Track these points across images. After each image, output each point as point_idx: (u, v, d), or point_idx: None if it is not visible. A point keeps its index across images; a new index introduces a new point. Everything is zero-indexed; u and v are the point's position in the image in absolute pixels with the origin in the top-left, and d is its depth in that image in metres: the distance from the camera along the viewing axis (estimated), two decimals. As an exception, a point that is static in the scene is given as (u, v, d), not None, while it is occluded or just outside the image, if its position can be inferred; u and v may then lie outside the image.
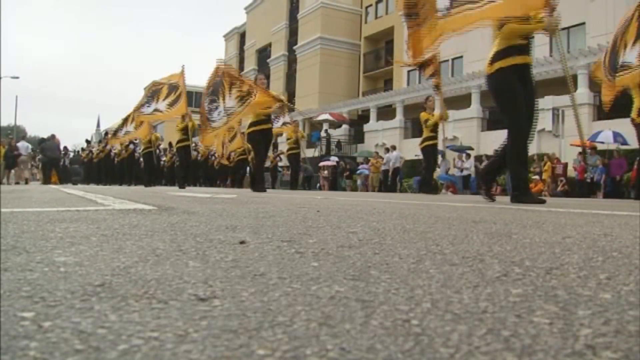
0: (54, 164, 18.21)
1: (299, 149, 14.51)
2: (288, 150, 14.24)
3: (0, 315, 0.55)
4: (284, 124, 13.19)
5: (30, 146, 18.87)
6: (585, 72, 16.91)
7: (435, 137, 10.17)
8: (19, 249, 1.05)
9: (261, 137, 8.35)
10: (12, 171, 17.24)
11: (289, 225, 1.66)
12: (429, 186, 10.73)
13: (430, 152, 10.29)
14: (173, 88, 11.45)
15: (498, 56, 4.29)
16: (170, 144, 22.47)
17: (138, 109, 12.39)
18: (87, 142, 24.64)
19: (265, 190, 7.98)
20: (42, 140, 20.15)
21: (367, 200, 4.63)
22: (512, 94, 4.26)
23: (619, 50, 6.86)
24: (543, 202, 4.34)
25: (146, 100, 11.98)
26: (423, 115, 10.19)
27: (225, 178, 19.99)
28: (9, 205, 2.70)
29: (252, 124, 8.42)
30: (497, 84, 4.36)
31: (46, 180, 17.74)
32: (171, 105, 11.53)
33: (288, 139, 14.12)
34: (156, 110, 11.78)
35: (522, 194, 4.33)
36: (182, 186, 11.12)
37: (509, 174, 4.72)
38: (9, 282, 0.71)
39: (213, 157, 21.22)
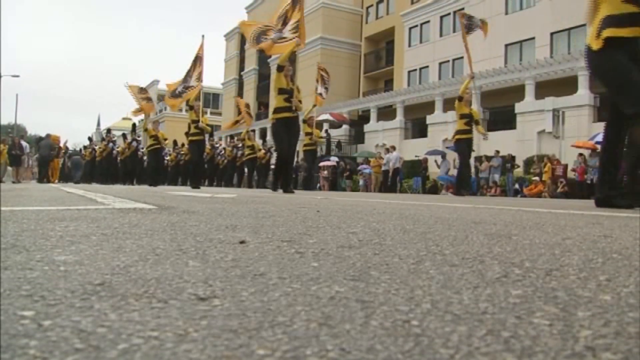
0: (45, 162, 18.32)
1: (315, 145, 13.91)
2: (304, 146, 13.56)
3: (0, 313, 0.55)
4: (319, 94, 13.03)
5: (27, 145, 18.95)
6: (586, 73, 16.92)
7: (470, 132, 9.21)
8: (19, 247, 1.04)
9: (284, 128, 7.46)
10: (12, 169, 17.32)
11: (289, 225, 1.66)
12: (464, 184, 9.51)
13: (464, 146, 9.28)
14: (193, 63, 11.61)
15: (607, 23, 3.48)
16: (175, 142, 21.44)
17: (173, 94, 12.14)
18: (90, 139, 23.75)
19: (276, 190, 7.59)
20: (40, 139, 20.22)
21: (367, 200, 4.63)
22: (625, 69, 3.43)
23: None
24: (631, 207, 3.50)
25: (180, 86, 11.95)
26: (458, 107, 9.34)
27: (231, 177, 19.50)
28: (9, 203, 2.70)
29: (275, 110, 7.58)
30: (606, 61, 3.56)
31: (41, 179, 17.83)
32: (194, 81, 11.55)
33: (306, 134, 13.44)
34: (186, 87, 11.69)
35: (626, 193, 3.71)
36: (195, 185, 10.35)
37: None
38: (9, 281, 0.71)
39: (219, 157, 20.60)
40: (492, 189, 15.65)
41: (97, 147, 21.19)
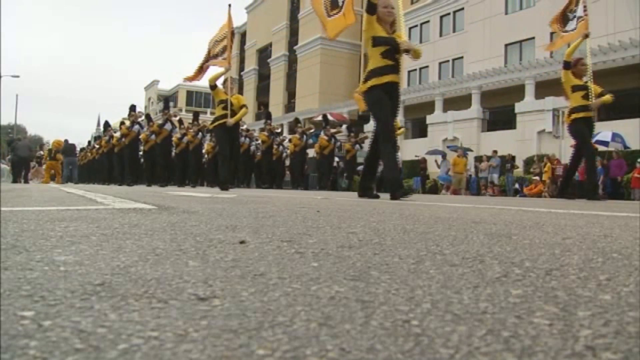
0: (24, 163, 18.05)
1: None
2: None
3: (0, 314, 0.55)
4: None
5: None
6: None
7: (587, 108, 6.89)
8: (19, 247, 1.04)
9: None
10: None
11: (289, 225, 1.66)
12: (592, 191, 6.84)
13: (582, 128, 6.86)
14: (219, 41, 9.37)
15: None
16: (180, 121, 15.46)
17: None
18: (106, 125, 17.77)
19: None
20: (12, 140, 19.76)
21: (367, 200, 4.63)
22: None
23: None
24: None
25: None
26: (566, 77, 7.07)
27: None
28: (8, 204, 2.70)
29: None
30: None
31: (15, 179, 17.68)
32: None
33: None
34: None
35: None
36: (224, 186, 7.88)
37: None
38: (9, 281, 0.71)
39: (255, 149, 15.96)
40: (490, 189, 15.64)
41: (117, 134, 15.73)
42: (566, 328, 0.53)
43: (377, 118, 5.06)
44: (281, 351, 0.45)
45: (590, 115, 6.95)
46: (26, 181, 17.40)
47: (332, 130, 15.33)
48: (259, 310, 0.59)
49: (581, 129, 6.94)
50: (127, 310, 0.57)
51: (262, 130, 16.62)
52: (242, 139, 14.15)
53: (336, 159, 21.76)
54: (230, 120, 8.28)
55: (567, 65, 7.22)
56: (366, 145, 19.28)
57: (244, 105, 8.74)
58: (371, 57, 4.96)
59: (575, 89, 7.07)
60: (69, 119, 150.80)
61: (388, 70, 4.91)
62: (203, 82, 10.20)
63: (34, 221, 1.64)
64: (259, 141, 16.14)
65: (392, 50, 4.91)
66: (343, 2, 6.46)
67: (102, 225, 1.54)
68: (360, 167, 18.34)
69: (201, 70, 9.42)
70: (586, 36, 7.59)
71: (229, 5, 9.35)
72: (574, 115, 7.00)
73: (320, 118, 25.46)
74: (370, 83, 4.91)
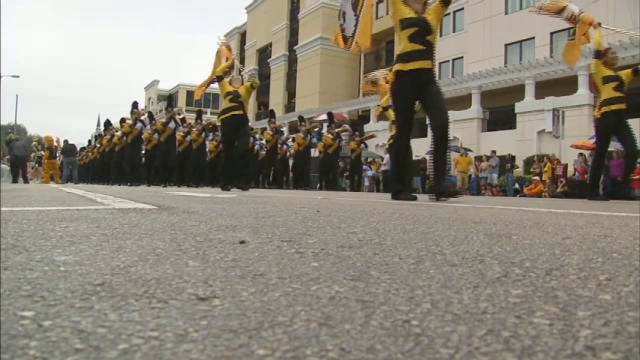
0: (20, 162, 18.17)
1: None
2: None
3: (0, 314, 0.55)
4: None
5: None
6: (586, 73, 16.94)
7: (622, 100, 6.45)
8: (19, 247, 1.04)
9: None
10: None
11: (289, 225, 1.66)
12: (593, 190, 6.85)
13: (609, 125, 6.49)
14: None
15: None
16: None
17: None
18: (107, 123, 17.64)
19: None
20: (10, 140, 19.86)
21: (367, 200, 4.63)
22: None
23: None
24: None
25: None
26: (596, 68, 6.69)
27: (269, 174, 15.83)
28: (9, 204, 2.70)
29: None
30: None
31: (15, 179, 17.73)
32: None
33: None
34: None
35: None
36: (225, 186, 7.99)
37: None
38: (9, 281, 0.71)
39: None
40: (489, 190, 15.63)
41: (118, 133, 15.51)
42: (566, 328, 0.53)
43: (396, 114, 4.93)
44: (281, 351, 0.45)
45: (622, 107, 6.43)
46: (26, 181, 17.46)
47: (337, 129, 15.16)
48: (259, 310, 0.59)
49: (607, 127, 6.53)
50: (127, 310, 0.57)
51: (264, 129, 16.52)
52: None
53: (337, 158, 21.72)
54: (256, 82, 8.76)
55: (598, 55, 6.75)
56: (369, 144, 19.22)
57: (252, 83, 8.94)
58: (400, 41, 4.58)
59: (606, 80, 6.57)
60: (69, 119, 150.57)
61: (416, 56, 4.43)
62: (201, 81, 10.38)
63: (34, 221, 1.64)
64: (263, 140, 16.15)
65: (421, 32, 4.40)
66: (354, 32, 6.63)
67: (102, 225, 1.54)
68: (364, 166, 18.29)
69: (207, 85, 9.83)
70: (599, 24, 7.22)
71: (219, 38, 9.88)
72: (604, 109, 6.49)
73: (320, 117, 25.50)
74: (395, 68, 4.58)
